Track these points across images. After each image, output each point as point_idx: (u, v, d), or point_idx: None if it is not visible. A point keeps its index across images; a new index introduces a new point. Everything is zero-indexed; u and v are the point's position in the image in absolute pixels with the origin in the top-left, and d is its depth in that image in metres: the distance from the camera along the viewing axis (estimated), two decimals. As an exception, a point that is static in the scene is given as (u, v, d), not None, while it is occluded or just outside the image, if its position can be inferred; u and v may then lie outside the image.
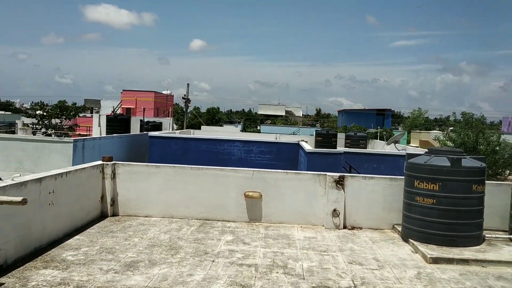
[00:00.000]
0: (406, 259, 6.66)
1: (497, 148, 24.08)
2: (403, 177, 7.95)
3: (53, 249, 6.36)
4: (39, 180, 6.29)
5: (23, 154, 13.25)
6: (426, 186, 7.25)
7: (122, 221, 8.15)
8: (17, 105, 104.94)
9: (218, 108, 66.32)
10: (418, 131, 44.33)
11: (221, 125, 54.47)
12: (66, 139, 13.72)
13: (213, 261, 6.20)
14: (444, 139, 25.25)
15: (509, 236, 7.62)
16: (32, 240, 6.12)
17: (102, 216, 8.35)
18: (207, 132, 28.04)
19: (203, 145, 17.42)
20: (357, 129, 42.91)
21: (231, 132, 31.26)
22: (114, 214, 8.50)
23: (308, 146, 14.68)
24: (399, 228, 7.94)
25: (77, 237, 7.02)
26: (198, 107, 65.01)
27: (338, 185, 8.31)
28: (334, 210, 8.27)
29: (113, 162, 8.56)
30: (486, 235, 7.57)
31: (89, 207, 7.94)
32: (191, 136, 21.51)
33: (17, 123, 38.90)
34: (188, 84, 46.80)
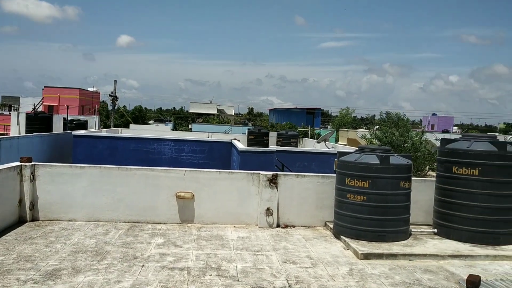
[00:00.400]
0: (338, 256, 6.73)
1: (419, 145, 25.42)
2: (335, 175, 8.06)
3: (-38, 260, 5.76)
4: None
5: None
6: (356, 183, 7.38)
7: (42, 226, 7.59)
8: None
9: (141, 107, 64.45)
10: (346, 129, 45.84)
11: (146, 123, 53.02)
12: (-20, 138, 12.66)
13: (142, 265, 5.90)
14: (371, 137, 26.24)
15: (433, 230, 7.95)
16: None
17: (20, 221, 7.73)
18: (136, 130, 27.17)
19: (132, 144, 16.83)
20: (290, 127, 43.62)
21: (161, 131, 30.52)
22: (34, 219, 7.90)
23: (241, 145, 14.60)
24: (331, 225, 8.03)
25: (-10, 245, 6.42)
26: (124, 106, 62.97)
27: (271, 184, 8.27)
28: (268, 209, 8.22)
29: (33, 163, 7.95)
30: (412, 230, 7.84)
31: (5, 212, 7.31)
32: (119, 135, 20.72)
33: None
34: (115, 81, 45.32)
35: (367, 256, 6.62)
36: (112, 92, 44.18)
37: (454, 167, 7.64)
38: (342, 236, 7.47)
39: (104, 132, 20.79)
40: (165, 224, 8.11)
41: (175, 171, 8.31)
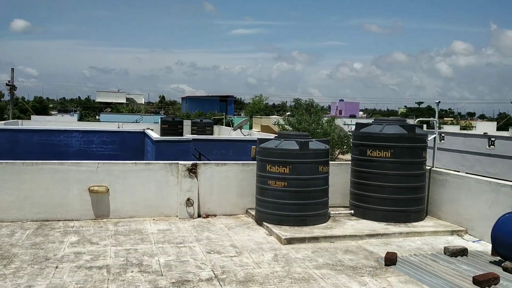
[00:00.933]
0: (262, 243, 6.72)
1: (329, 131, 26.41)
2: (255, 162, 8.04)
3: None
4: None
5: None
6: (277, 169, 7.41)
7: None
8: None
9: (42, 98, 60.18)
10: (259, 116, 46.38)
11: (48, 115, 49.68)
12: None
13: (56, 267, 5.46)
14: (284, 123, 26.78)
15: (350, 211, 8.24)
16: None
17: None
18: (39, 122, 25.32)
19: (35, 137, 15.66)
20: (199, 115, 43.26)
21: (67, 122, 28.78)
22: None
23: (155, 134, 14.16)
24: (253, 212, 8.02)
25: None
26: (23, 97, 58.40)
27: (191, 174, 8.06)
28: (188, 199, 8.01)
29: None
30: (331, 212, 8.06)
31: None
32: (20, 127, 19.23)
33: None
34: (12, 69, 41.65)
35: (290, 241, 6.68)
36: (9, 81, 40.79)
37: (368, 150, 7.94)
38: (264, 223, 7.48)
39: (2, 125, 19.12)
40: (78, 220, 7.61)
41: (87, 164, 7.81)
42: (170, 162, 8.22)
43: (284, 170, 7.37)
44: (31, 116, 34.97)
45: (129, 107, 61.62)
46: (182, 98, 74.58)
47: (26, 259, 5.70)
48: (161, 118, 27.09)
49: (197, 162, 8.37)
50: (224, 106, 59.95)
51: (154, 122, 28.84)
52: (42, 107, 54.81)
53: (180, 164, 8.10)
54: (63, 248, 6.18)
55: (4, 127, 17.18)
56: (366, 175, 8.00)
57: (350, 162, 8.67)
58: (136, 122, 33.93)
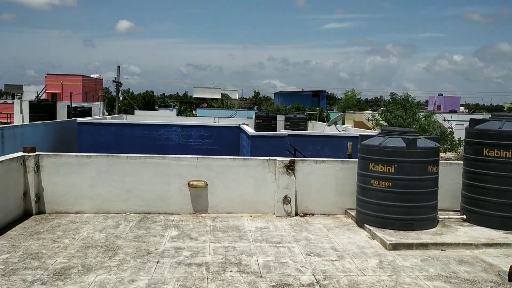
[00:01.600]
0: (365, 247, 6.30)
1: (427, 127, 24.89)
2: (355, 159, 7.61)
3: (-36, 259, 5.37)
4: None
5: None
6: (381, 168, 6.91)
7: (49, 219, 7.19)
8: None
9: (152, 92, 63.57)
10: (352, 111, 45.24)
11: (154, 109, 52.39)
12: (-18, 128, 12.24)
13: (157, 262, 5.50)
14: (380, 119, 25.71)
15: (462, 216, 7.50)
16: None
17: (26, 215, 7.33)
18: (141, 117, 26.69)
19: (138, 131, 16.43)
20: (297, 108, 43.07)
21: (166, 117, 30.07)
22: (40, 211, 7.50)
23: (251, 130, 14.16)
24: (353, 213, 7.60)
25: (-5, 242, 6.03)
26: (131, 90, 62.17)
27: (288, 170, 7.82)
28: (285, 196, 7.79)
29: (37, 153, 7.52)
30: (440, 216, 7.39)
31: (9, 206, 6.91)
32: (125, 121, 20.33)
33: None
34: (118, 66, 44.53)
35: (396, 247, 6.19)
36: (115, 78, 43.64)
37: (485, 149, 7.15)
38: (366, 225, 7.04)
39: (109, 119, 20.36)
40: (178, 214, 7.71)
41: (186, 158, 7.88)
42: (268, 158, 8.04)
43: (388, 169, 6.86)
44: (135, 111, 37.09)
45: (223, 103, 63.15)
46: (275, 94, 75.04)
47: (129, 251, 5.82)
48: (255, 113, 27.29)
49: (295, 158, 8.11)
50: (317, 101, 59.26)
51: (248, 117, 29.14)
52: (149, 101, 57.65)
53: (278, 160, 7.90)
54: (164, 242, 6.25)
55: (111, 122, 18.25)
56: (482, 177, 7.21)
57: (460, 162, 7.91)
58: (231, 117, 34.61)
